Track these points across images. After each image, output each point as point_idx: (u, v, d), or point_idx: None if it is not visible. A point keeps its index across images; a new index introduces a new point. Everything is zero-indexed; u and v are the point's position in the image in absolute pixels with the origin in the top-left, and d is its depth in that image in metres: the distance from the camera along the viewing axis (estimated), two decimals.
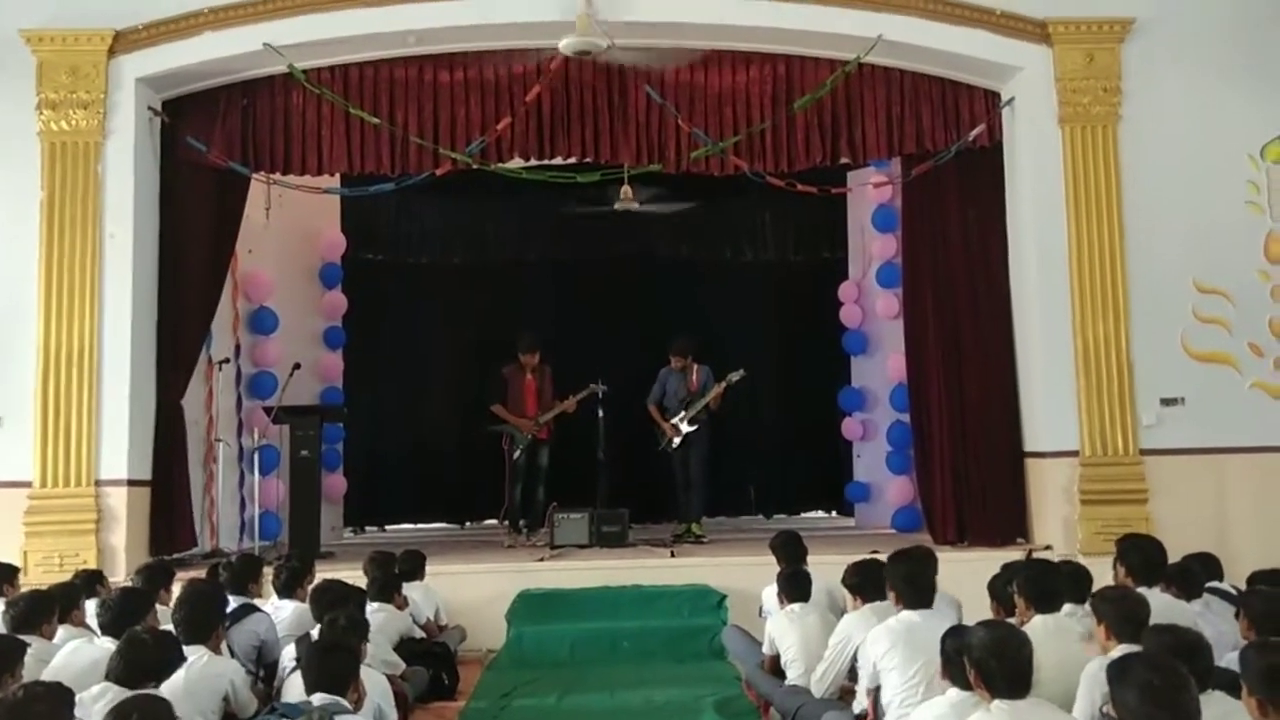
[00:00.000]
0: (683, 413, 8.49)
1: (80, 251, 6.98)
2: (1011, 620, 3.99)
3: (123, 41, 7.11)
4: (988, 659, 3.05)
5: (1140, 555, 4.58)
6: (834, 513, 10.88)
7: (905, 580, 4.15)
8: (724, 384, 8.39)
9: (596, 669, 6.13)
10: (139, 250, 7.12)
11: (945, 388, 7.70)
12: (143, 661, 3.50)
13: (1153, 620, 3.51)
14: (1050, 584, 4.06)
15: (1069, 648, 3.72)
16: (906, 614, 4.05)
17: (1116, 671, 2.70)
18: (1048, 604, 3.99)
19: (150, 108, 7.29)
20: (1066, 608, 4.11)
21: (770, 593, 5.32)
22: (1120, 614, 3.49)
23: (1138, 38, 7.37)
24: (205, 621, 4.12)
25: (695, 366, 8.61)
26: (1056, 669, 3.50)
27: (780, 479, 10.77)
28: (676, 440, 8.50)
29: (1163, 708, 2.54)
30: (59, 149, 7.05)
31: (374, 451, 10.05)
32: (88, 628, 4.58)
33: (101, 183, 7.06)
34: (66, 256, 6.97)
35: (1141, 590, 4.03)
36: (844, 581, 4.68)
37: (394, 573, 5.77)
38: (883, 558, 4.58)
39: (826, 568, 5.50)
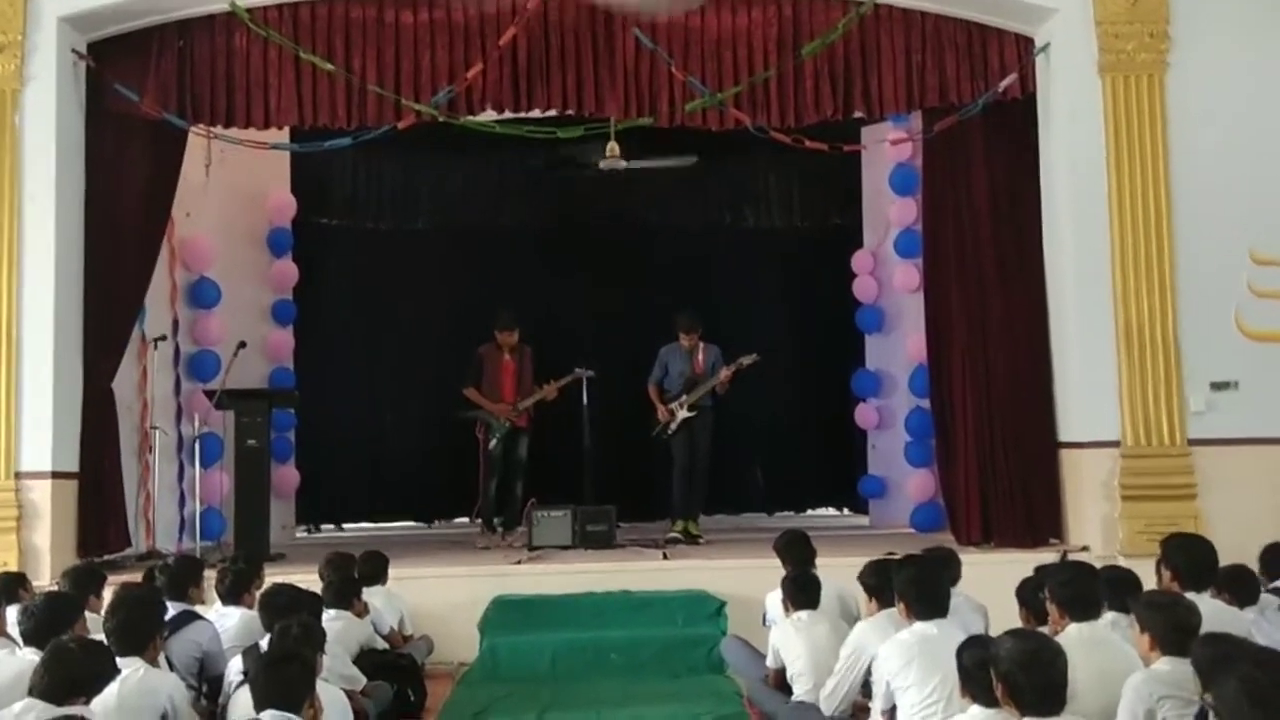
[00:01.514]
0: (684, 396, 8.49)
1: None
2: (1043, 629, 4.02)
3: None
4: (1017, 672, 3.07)
5: (1187, 557, 4.60)
6: (846, 510, 10.94)
7: (913, 586, 4.16)
8: (734, 368, 8.40)
9: (580, 684, 6.13)
10: (62, 213, 7.07)
11: (971, 370, 7.71)
12: (70, 675, 3.49)
13: (1203, 629, 3.52)
14: (1088, 589, 4.08)
15: (1109, 659, 3.74)
16: (920, 625, 4.07)
17: (1209, 663, 2.71)
18: (1085, 611, 4.01)
19: (74, 50, 7.22)
20: (1108, 616, 4.13)
21: (775, 599, 5.34)
22: (1168, 622, 3.51)
23: None
24: (141, 630, 4.11)
25: (703, 345, 8.62)
26: (1095, 682, 3.52)
27: (785, 472, 10.80)
28: (673, 426, 8.51)
29: (1261, 706, 2.55)
30: None
31: (330, 441, 10.02)
32: (8, 637, 4.57)
33: (19, 136, 7.00)
34: None
35: (1190, 596, 4.06)
36: (860, 580, 4.70)
37: (353, 576, 5.77)
38: (897, 557, 4.60)
39: (837, 571, 5.53)
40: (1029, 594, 4.53)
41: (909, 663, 3.94)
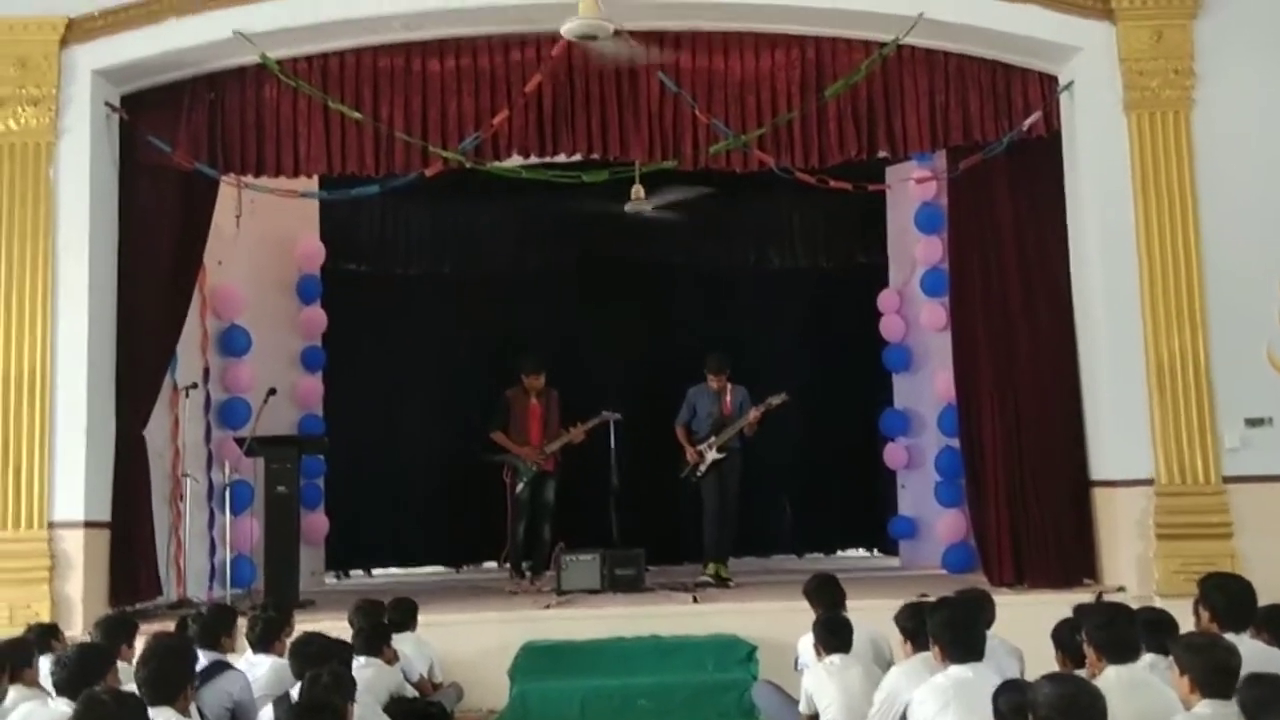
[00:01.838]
0: (712, 438, 8.47)
1: (30, 264, 7.03)
2: (1081, 672, 3.96)
3: (77, 30, 7.18)
4: (1056, 717, 3.03)
5: (1226, 597, 4.53)
6: (876, 551, 10.86)
7: (948, 629, 4.12)
8: (763, 408, 8.38)
9: None
10: (96, 264, 7.16)
11: (1000, 409, 7.67)
12: None
13: (1243, 671, 3.46)
14: (1125, 631, 4.02)
15: (1149, 703, 3.69)
16: (956, 669, 4.02)
17: (1257, 705, 2.66)
18: (1122, 654, 3.95)
19: (108, 103, 7.35)
20: (1146, 658, 4.07)
21: (806, 643, 5.29)
22: (1208, 665, 3.45)
23: (1211, 13, 7.36)
24: (173, 680, 4.09)
25: (730, 387, 8.61)
26: None
27: (815, 513, 10.74)
28: (702, 468, 8.48)
29: None
30: (6, 150, 7.12)
31: (359, 487, 10.03)
32: (41, 688, 4.57)
33: (54, 187, 7.11)
34: (15, 270, 7.03)
35: (1229, 636, 3.99)
36: (897, 623, 4.65)
37: (382, 622, 5.75)
38: (932, 600, 4.55)
39: (868, 613, 5.48)
40: (1065, 636, 4.46)
41: (944, 707, 3.88)
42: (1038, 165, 7.69)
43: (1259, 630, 4.47)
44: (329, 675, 4.08)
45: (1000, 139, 7.50)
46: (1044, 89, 7.64)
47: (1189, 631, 4.14)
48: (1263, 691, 3.04)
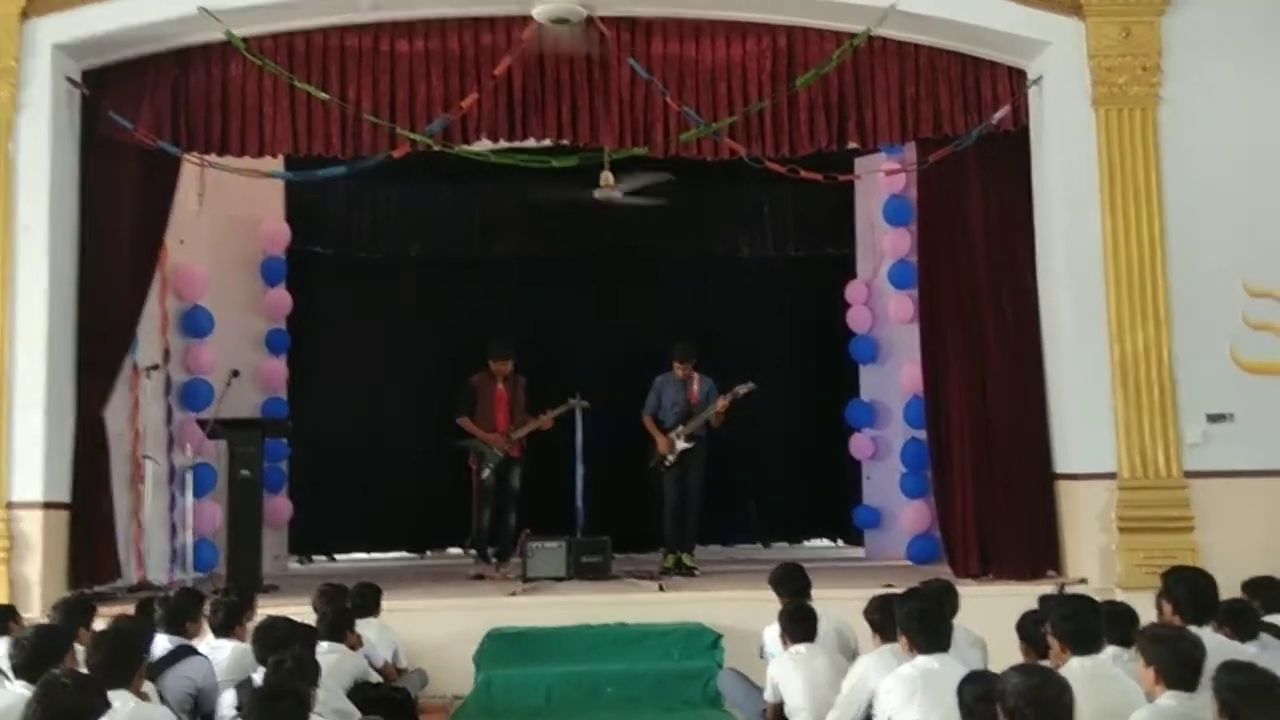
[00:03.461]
0: (680, 427, 8.46)
1: None
2: (1045, 663, 3.99)
3: (38, 3, 7.05)
4: (1024, 708, 3.05)
5: (1189, 590, 4.59)
6: (840, 541, 10.90)
7: (916, 619, 4.15)
8: (730, 397, 8.38)
9: (576, 718, 6.10)
10: (56, 242, 7.06)
11: (966, 401, 7.71)
12: (63, 709, 3.44)
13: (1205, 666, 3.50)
14: (1089, 622, 4.06)
15: (1113, 694, 3.72)
16: (923, 659, 4.05)
17: (1233, 691, 2.69)
18: (1086, 645, 3.99)
19: (69, 78, 7.23)
20: (1109, 650, 4.11)
21: (772, 632, 5.31)
22: (1174, 657, 3.48)
23: (1179, 10, 7.41)
24: (126, 662, 4.06)
25: (697, 376, 8.59)
26: (1098, 717, 3.49)
27: (780, 503, 10.77)
28: (671, 457, 8.48)
29: None
30: None
31: (323, 471, 9.96)
32: None
33: (13, 164, 7.00)
34: None
35: (1191, 629, 4.04)
36: (866, 616, 4.68)
37: (346, 608, 5.72)
38: (899, 591, 4.57)
39: (833, 603, 5.51)
40: (1030, 627, 4.50)
41: (911, 697, 3.91)
42: (1006, 159, 7.73)
43: (1220, 624, 4.53)
44: (292, 660, 4.06)
45: (969, 132, 7.53)
46: (1013, 83, 7.67)
47: (1154, 623, 4.18)
48: (1241, 679, 3.06)
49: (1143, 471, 7.14)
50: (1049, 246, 7.58)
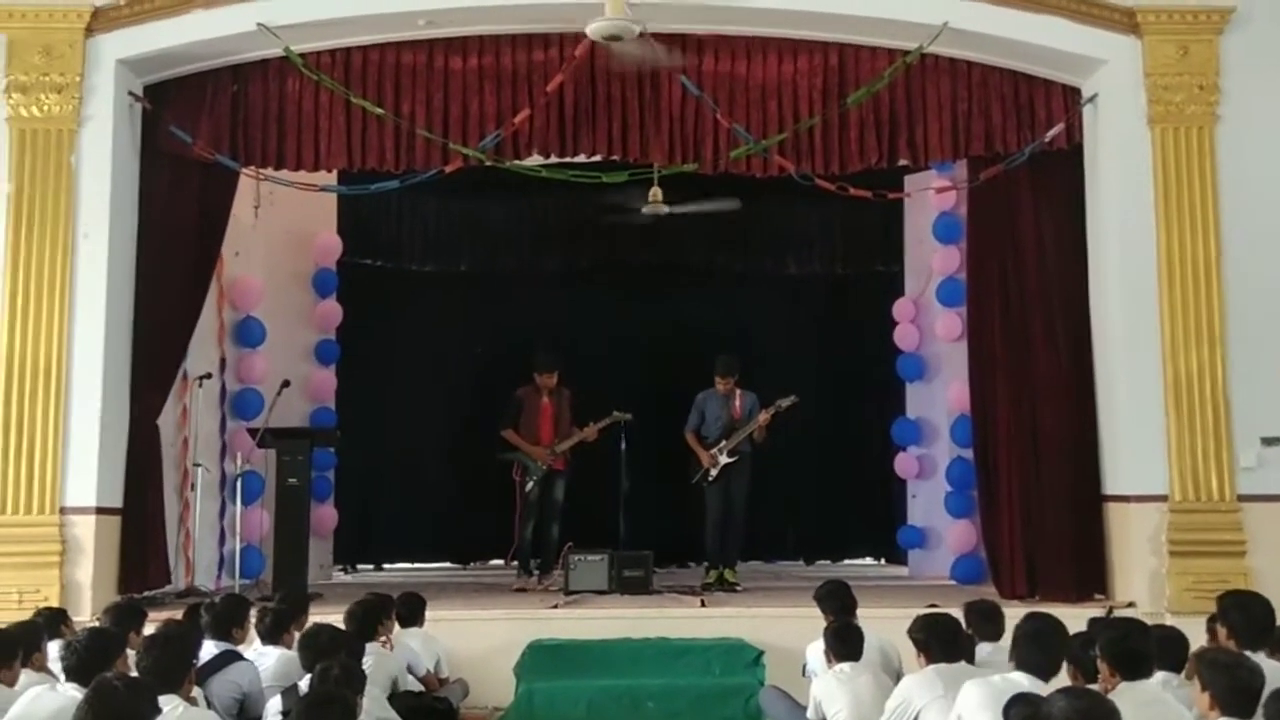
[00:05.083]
0: (723, 442, 8.44)
1: (50, 252, 7.02)
2: (1093, 687, 3.92)
3: (102, 19, 7.18)
4: None
5: (1245, 615, 4.50)
6: (884, 560, 10.85)
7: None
8: (773, 410, 8.34)
9: None
10: (115, 251, 7.16)
11: (1014, 420, 7.63)
12: (115, 713, 3.47)
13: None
14: (1140, 646, 3.97)
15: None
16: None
17: None
18: (1136, 670, 3.91)
19: (131, 93, 7.35)
20: (1159, 675, 4.03)
21: (816, 649, 5.27)
22: (1232, 683, 3.40)
23: (1238, 29, 7.33)
24: (175, 668, 4.09)
25: (739, 392, 8.57)
26: None
27: (823, 520, 10.74)
28: (714, 472, 8.45)
29: None
30: (29, 137, 7.10)
31: (369, 481, 10.06)
32: (49, 672, 4.57)
33: (75, 175, 7.10)
34: (35, 257, 7.01)
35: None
36: (910, 635, 4.63)
37: (376, 607, 5.69)
38: (952, 612, 4.53)
39: (876, 622, 5.44)
40: (1079, 650, 4.43)
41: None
42: (1058, 178, 7.67)
43: (1274, 650, 4.44)
44: (339, 668, 4.09)
45: (1022, 150, 7.47)
46: (1067, 101, 7.62)
47: (1213, 648, 4.11)
48: None
49: (1195, 494, 7.03)
50: (1102, 265, 7.49)
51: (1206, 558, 6.91)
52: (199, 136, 7.34)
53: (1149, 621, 4.88)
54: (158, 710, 3.73)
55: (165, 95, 7.49)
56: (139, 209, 7.44)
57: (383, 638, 5.56)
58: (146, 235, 7.44)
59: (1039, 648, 3.98)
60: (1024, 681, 3.84)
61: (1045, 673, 3.94)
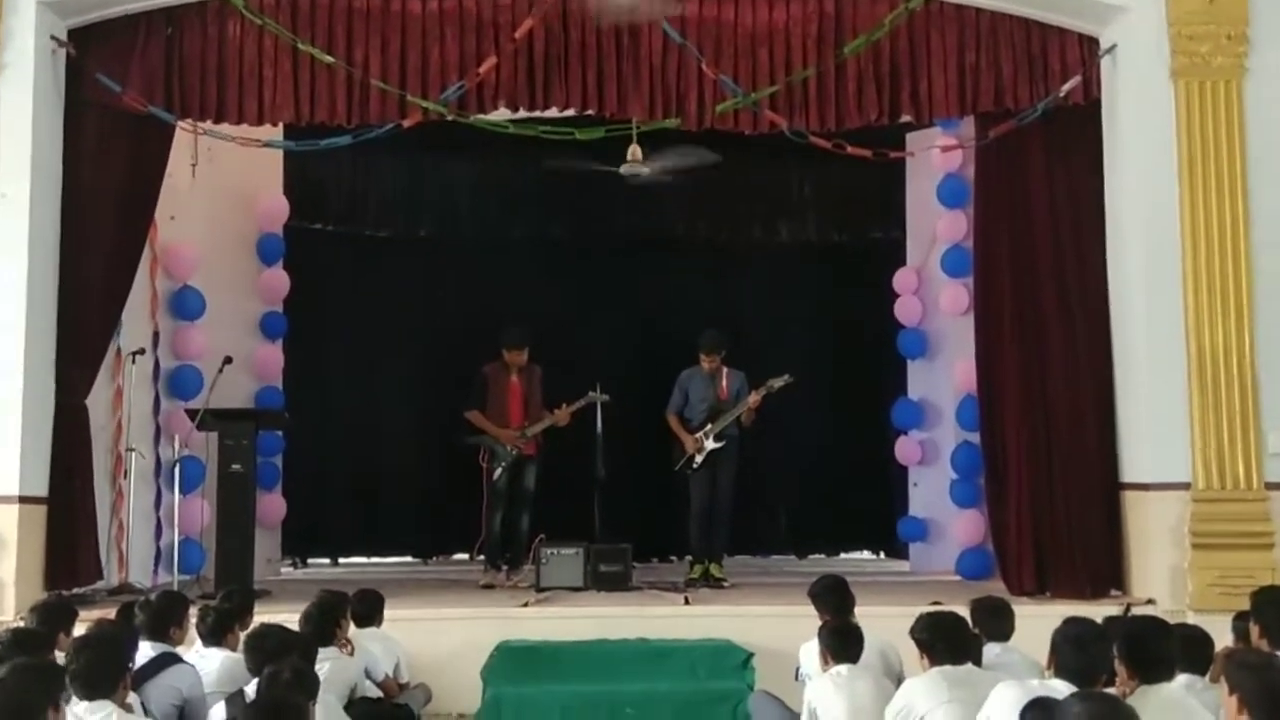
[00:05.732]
0: (709, 425, 8.45)
1: None
2: (1111, 691, 3.96)
3: None
4: None
5: (1278, 613, 4.54)
6: (883, 554, 10.92)
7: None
8: (763, 391, 8.36)
9: None
10: (37, 213, 7.10)
11: (1025, 401, 7.67)
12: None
13: None
14: (1161, 647, 4.01)
15: None
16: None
17: None
18: (1157, 672, 3.94)
19: (53, 37, 7.27)
20: (1182, 678, 4.07)
21: (809, 651, 5.29)
22: (1263, 686, 3.43)
23: None
24: (109, 671, 4.09)
25: (726, 370, 8.58)
26: None
27: (817, 511, 10.80)
28: (698, 458, 8.46)
29: None
30: None
31: (320, 467, 10.06)
32: None
33: None
34: None
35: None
36: (912, 635, 4.65)
37: (335, 606, 5.68)
38: (957, 610, 4.55)
39: (876, 621, 5.47)
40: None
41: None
42: (1075, 135, 7.70)
43: None
44: (290, 671, 4.08)
45: (1035, 105, 7.49)
46: (1084, 52, 7.63)
47: (1241, 647, 4.14)
48: None
49: (1219, 482, 7.08)
50: (1120, 231, 7.53)
51: (1232, 551, 6.96)
52: (129, 86, 7.27)
53: (1170, 620, 4.93)
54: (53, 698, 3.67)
55: (92, 40, 7.42)
56: (63, 167, 7.36)
57: (342, 641, 5.55)
58: (72, 196, 7.37)
59: (1083, 654, 3.97)
60: (1064, 690, 3.85)
61: (1088, 681, 3.95)
